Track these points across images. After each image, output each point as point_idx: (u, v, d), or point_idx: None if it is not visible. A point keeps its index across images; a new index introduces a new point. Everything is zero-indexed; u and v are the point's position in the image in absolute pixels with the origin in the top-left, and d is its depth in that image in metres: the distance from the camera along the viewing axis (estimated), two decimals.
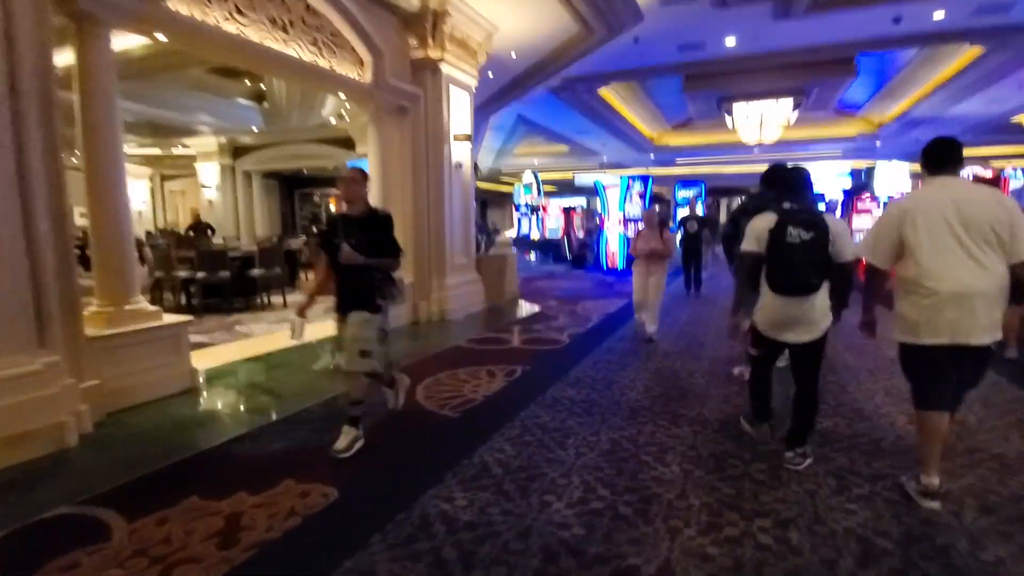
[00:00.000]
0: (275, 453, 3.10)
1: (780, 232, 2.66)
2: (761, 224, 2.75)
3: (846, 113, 18.63)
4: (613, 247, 13.85)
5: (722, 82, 13.91)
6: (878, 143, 19.69)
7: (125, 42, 5.42)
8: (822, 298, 2.72)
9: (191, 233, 12.20)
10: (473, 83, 7.57)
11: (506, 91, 11.45)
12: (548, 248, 16.22)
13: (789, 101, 14.64)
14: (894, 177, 13.94)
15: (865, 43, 9.96)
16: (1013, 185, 8.45)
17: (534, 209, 19.32)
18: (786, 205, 2.80)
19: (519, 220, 20.74)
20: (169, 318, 4.14)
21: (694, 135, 21.31)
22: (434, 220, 7.05)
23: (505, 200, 25.57)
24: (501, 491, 2.60)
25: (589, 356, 5.26)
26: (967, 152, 2.60)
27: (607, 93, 14.34)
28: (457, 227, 7.39)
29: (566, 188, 29.10)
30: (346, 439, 3.00)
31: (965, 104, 13.62)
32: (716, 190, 34.55)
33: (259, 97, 10.43)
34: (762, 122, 14.92)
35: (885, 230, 2.52)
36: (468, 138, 7.30)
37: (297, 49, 5.16)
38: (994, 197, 2.42)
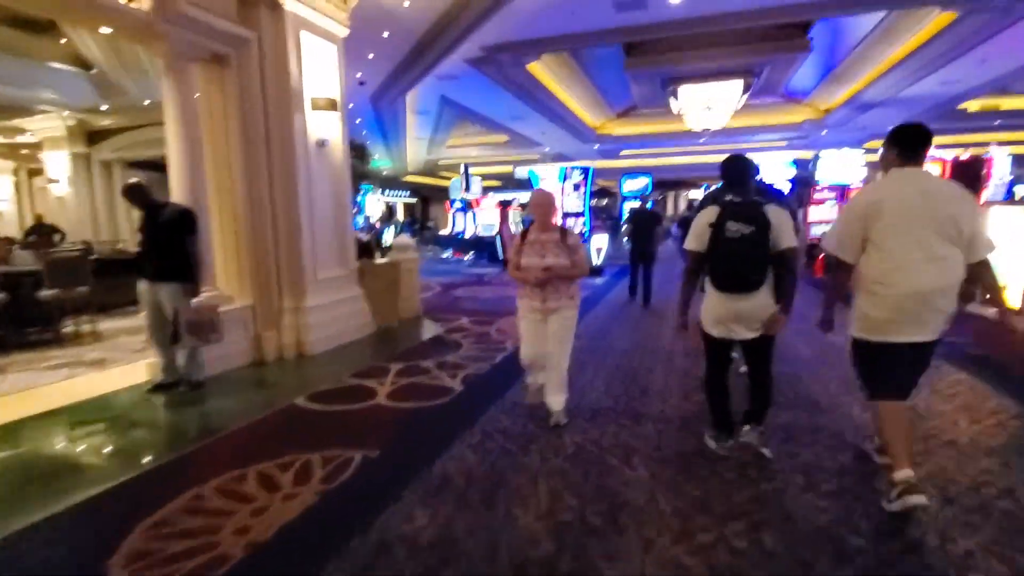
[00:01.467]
0: None
1: (720, 227, 2.58)
2: (703, 220, 2.67)
3: (793, 99, 17.75)
4: None
5: (667, 60, 12.46)
6: (824, 132, 19.00)
7: None
8: (766, 294, 2.62)
9: (31, 238, 9.70)
10: (341, 31, 5.62)
11: (414, 59, 9.51)
12: (481, 247, 14.36)
13: (738, 83, 13.39)
14: (842, 165, 12.95)
15: (827, 4, 8.65)
16: (999, 166, 7.26)
17: (469, 205, 17.47)
18: (728, 198, 2.72)
19: (453, 217, 18.82)
20: None
21: (639, 123, 20.02)
22: (283, 219, 5.08)
23: (446, 196, 23.61)
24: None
25: (485, 415, 3.52)
26: None
27: (539, 71, 12.63)
28: (323, 228, 5.44)
29: (511, 182, 27.42)
30: None
31: (917, 86, 12.74)
32: (664, 183, 33.86)
33: (84, 63, 8.10)
34: (710, 106, 13.60)
35: (851, 223, 2.44)
36: (333, 106, 5.36)
37: None
38: (959, 193, 2.33)
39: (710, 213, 2.65)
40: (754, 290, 2.57)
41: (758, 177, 3.20)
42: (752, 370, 2.84)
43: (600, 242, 11.16)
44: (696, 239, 2.67)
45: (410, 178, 31.06)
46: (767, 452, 2.83)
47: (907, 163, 2.36)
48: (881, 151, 2.49)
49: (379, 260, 6.65)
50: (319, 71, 5.32)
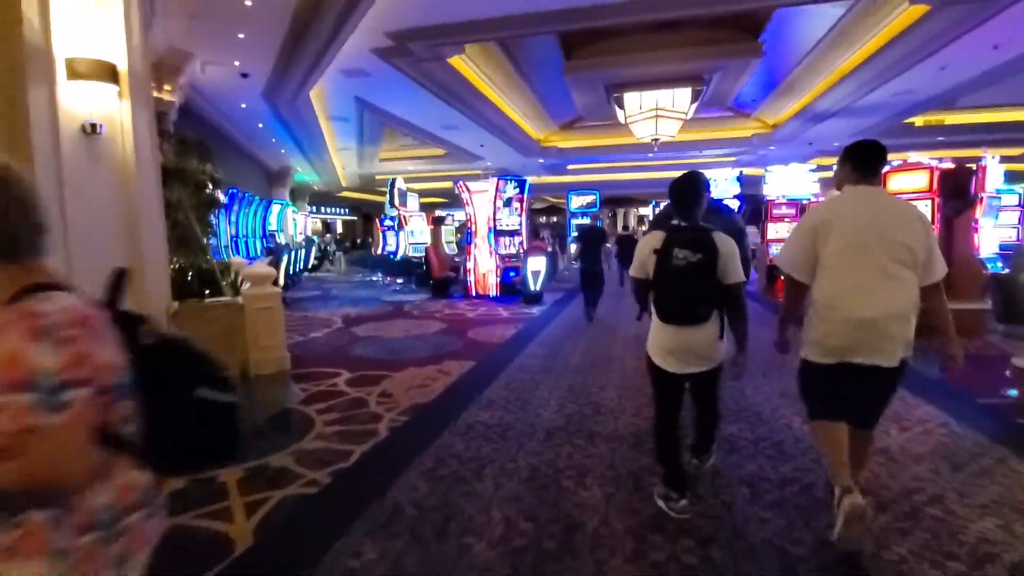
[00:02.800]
0: None
1: (665, 254, 2.37)
2: (647, 245, 2.47)
3: (742, 112, 17.07)
4: (484, 267, 10.60)
5: (610, 63, 11.28)
6: (772, 147, 18.45)
7: None
8: (713, 327, 2.41)
9: None
10: None
11: (299, 42, 7.77)
12: (410, 269, 12.56)
13: (686, 91, 12.38)
14: (793, 181, 12.07)
15: None
16: (992, 176, 6.20)
17: (400, 222, 15.73)
18: (674, 222, 2.47)
19: (384, 235, 16.99)
20: None
21: (585, 136, 18.91)
22: None
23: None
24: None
25: None
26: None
27: (471, 74, 11.17)
28: (99, 255, 3.59)
29: (457, 200, 25.76)
30: None
31: (870, 97, 12.03)
32: (614, 200, 33.17)
33: None
34: (657, 115, 12.49)
35: (801, 242, 2.36)
36: (110, 75, 3.58)
37: None
38: (914, 213, 2.25)
39: (655, 238, 2.44)
40: (701, 323, 2.38)
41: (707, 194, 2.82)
42: (698, 405, 2.77)
43: (537, 265, 9.64)
44: (640, 266, 2.52)
45: (347, 194, 29.01)
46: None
47: (861, 180, 2.29)
48: (835, 167, 2.42)
49: (220, 298, 4.79)
50: (84, 20, 3.54)
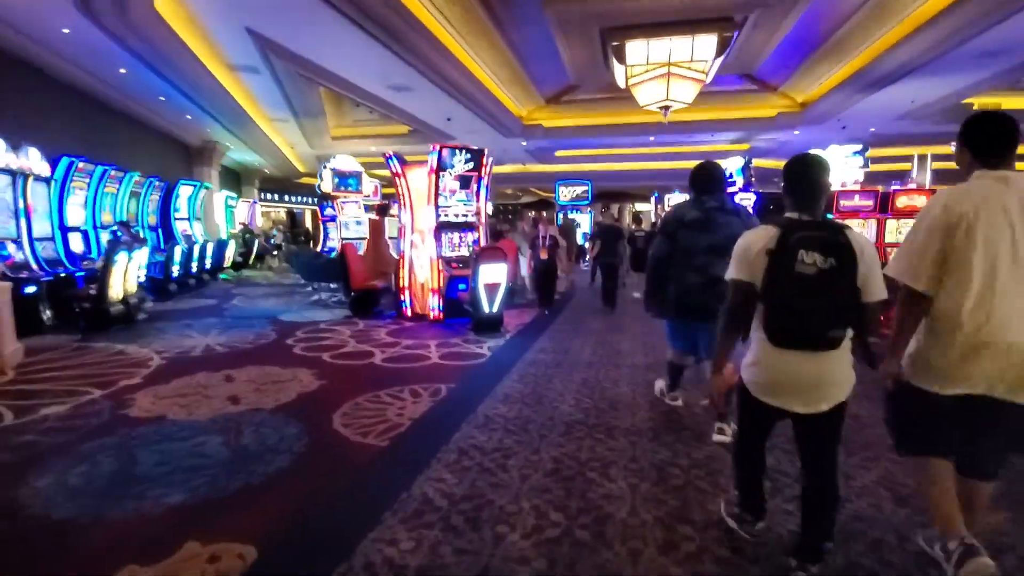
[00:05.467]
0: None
1: (787, 257, 1.79)
2: (754, 243, 1.92)
3: (767, 85, 13.90)
4: (422, 276, 7.39)
5: None
6: (796, 131, 15.35)
7: None
8: (845, 355, 1.89)
9: None
10: None
11: None
12: (331, 274, 9.19)
13: (711, 40, 9.15)
14: (844, 167, 8.96)
15: None
16: None
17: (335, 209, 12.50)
18: (792, 215, 1.92)
19: (325, 227, 13.69)
20: None
21: (575, 113, 15.62)
22: None
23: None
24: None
25: None
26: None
27: (421, 10, 7.98)
28: None
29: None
30: None
31: (953, 56, 8.95)
32: (607, 194, 30.01)
33: None
34: (670, 72, 9.29)
35: (930, 240, 1.81)
36: None
37: None
38: None
39: (764, 235, 1.89)
40: (831, 348, 1.83)
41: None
42: (810, 470, 2.02)
43: (494, 275, 6.45)
44: (744, 268, 1.94)
45: (309, 180, 25.56)
46: None
47: (1001, 163, 1.80)
48: (955, 147, 1.94)
49: None
50: None
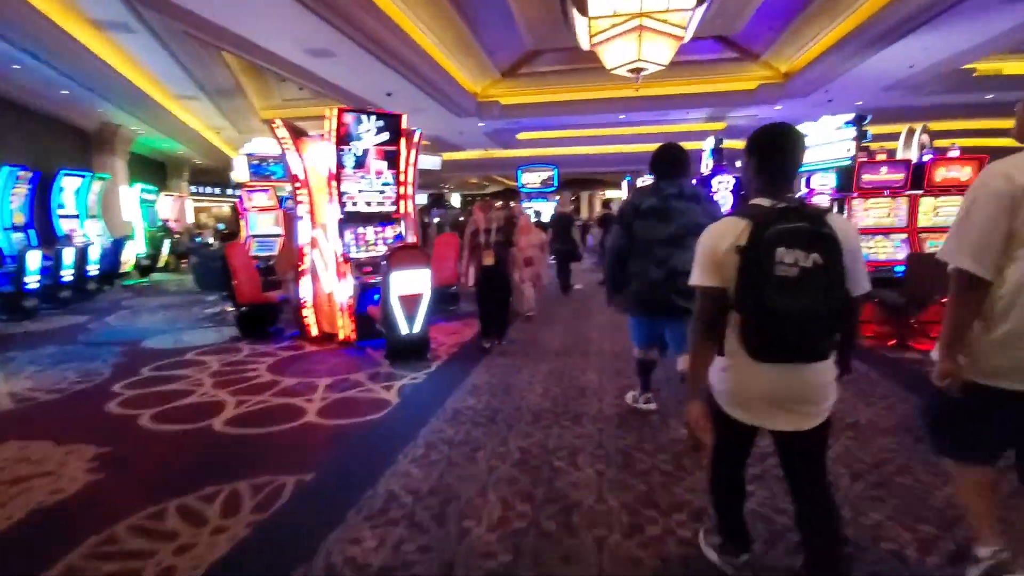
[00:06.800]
0: None
1: (763, 256, 1.43)
2: (719, 240, 1.56)
3: (749, 52, 12.46)
4: (327, 285, 5.60)
5: None
6: (778, 106, 13.96)
7: None
8: (830, 366, 1.60)
9: None
10: None
11: None
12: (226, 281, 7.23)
13: None
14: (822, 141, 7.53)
15: None
16: None
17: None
18: (761, 202, 1.57)
19: (246, 222, 11.67)
20: None
21: (535, 89, 13.92)
22: None
23: None
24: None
25: None
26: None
27: None
28: None
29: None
30: None
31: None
32: (575, 181, 28.51)
33: None
34: (642, 26, 7.67)
35: (992, 217, 1.52)
36: None
37: None
38: None
39: (731, 227, 1.53)
40: (818, 359, 1.55)
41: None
42: (800, 489, 1.74)
43: (414, 284, 4.73)
44: (711, 272, 1.57)
45: None
46: None
47: None
48: (1018, 110, 1.69)
49: None
50: None
